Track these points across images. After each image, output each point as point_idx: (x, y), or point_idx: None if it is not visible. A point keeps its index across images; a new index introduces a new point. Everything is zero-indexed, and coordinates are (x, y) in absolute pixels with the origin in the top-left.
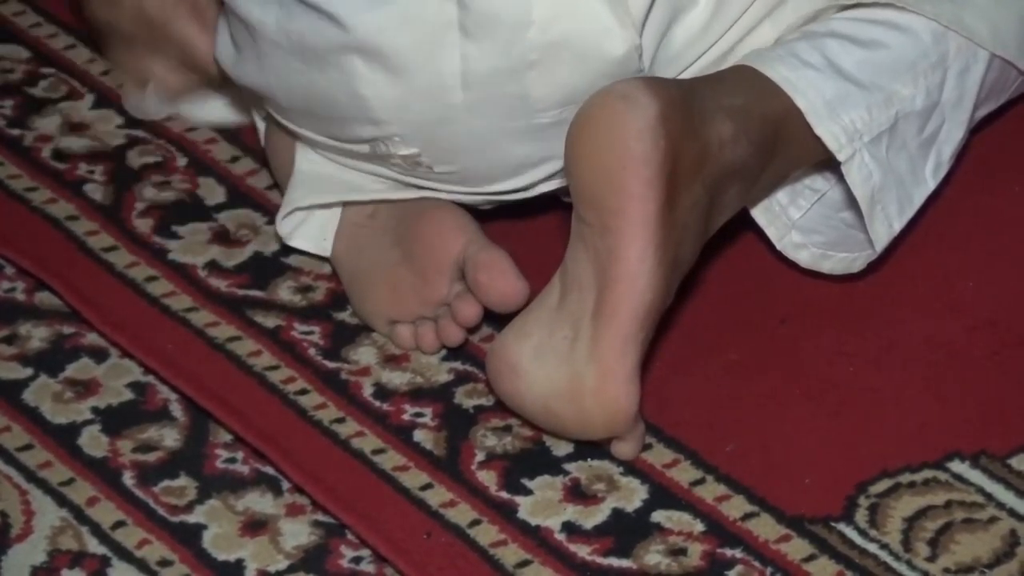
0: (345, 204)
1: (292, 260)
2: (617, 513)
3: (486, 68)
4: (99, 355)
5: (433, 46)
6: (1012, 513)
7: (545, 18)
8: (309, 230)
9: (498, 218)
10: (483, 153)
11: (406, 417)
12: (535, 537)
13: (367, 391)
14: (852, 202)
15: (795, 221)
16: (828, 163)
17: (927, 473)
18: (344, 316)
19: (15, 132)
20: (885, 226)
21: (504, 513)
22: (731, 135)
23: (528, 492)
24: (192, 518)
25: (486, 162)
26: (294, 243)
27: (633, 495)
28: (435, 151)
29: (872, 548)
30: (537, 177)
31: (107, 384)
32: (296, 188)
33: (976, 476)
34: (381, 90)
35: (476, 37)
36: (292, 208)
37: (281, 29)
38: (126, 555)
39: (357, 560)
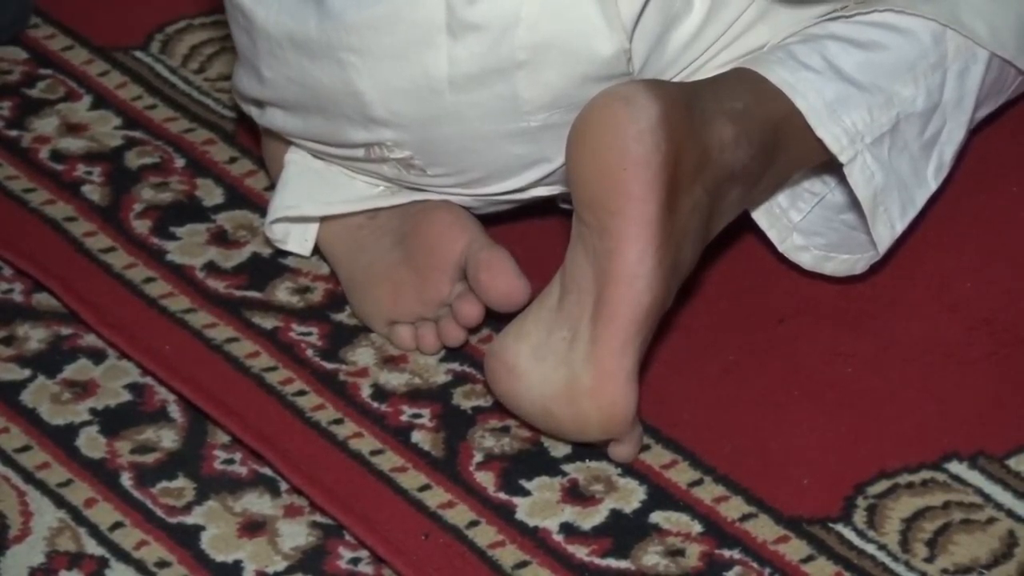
0: (336, 217)
1: (290, 261)
2: (615, 514)
3: (474, 69)
4: (97, 356)
5: (421, 47)
6: (1010, 514)
7: (533, 18)
8: (296, 230)
9: (498, 220)
10: (475, 155)
11: (404, 418)
12: (533, 538)
13: (365, 392)
14: (853, 204)
15: (796, 223)
16: (827, 166)
17: (925, 474)
18: (342, 317)
19: (13, 133)
20: (887, 227)
21: (502, 514)
22: (732, 138)
23: (526, 493)
24: (190, 519)
25: (478, 164)
26: (287, 247)
27: (631, 496)
28: (427, 153)
29: (870, 549)
30: (530, 179)
31: (105, 385)
32: (286, 189)
33: (974, 477)
34: (376, 85)
35: (463, 38)
36: (280, 216)
37: (278, 21)
38: (124, 556)
39: (355, 561)
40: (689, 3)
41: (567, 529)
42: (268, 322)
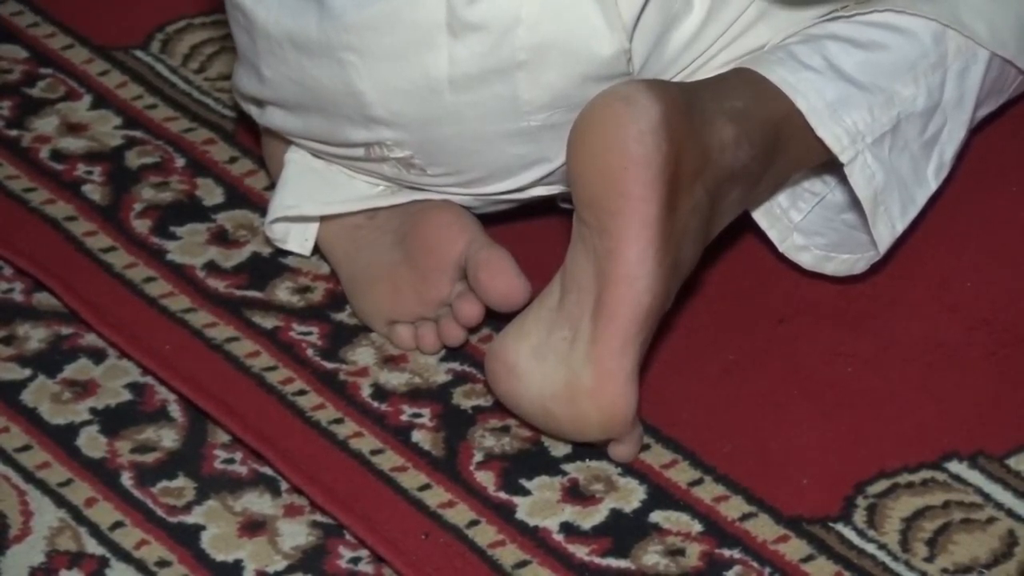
0: (336, 217)
1: (290, 261)
2: (615, 513)
3: (474, 69)
4: (97, 356)
5: (421, 47)
6: (1010, 513)
7: (534, 18)
8: (296, 230)
9: (498, 220)
10: (475, 155)
11: (404, 418)
12: (533, 537)
13: (365, 392)
14: (854, 204)
15: (796, 223)
16: (827, 166)
17: (925, 473)
18: (342, 317)
19: (13, 133)
20: (888, 227)
21: (502, 513)
22: (732, 138)
23: (526, 493)
24: (190, 519)
25: (478, 164)
26: (287, 246)
27: (631, 495)
28: (427, 153)
29: (870, 548)
30: (530, 179)
31: (105, 385)
32: (285, 189)
33: (974, 476)
34: (376, 85)
35: (464, 38)
36: (280, 216)
37: (279, 21)
38: (124, 556)
39: (355, 561)
40: (689, 3)
41: (567, 529)
42: (268, 322)
